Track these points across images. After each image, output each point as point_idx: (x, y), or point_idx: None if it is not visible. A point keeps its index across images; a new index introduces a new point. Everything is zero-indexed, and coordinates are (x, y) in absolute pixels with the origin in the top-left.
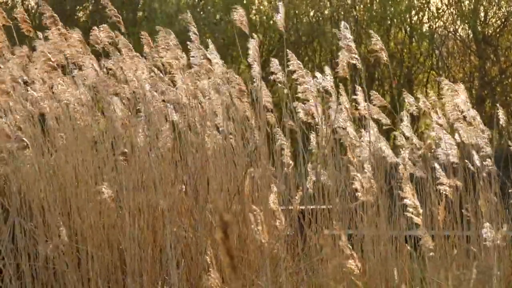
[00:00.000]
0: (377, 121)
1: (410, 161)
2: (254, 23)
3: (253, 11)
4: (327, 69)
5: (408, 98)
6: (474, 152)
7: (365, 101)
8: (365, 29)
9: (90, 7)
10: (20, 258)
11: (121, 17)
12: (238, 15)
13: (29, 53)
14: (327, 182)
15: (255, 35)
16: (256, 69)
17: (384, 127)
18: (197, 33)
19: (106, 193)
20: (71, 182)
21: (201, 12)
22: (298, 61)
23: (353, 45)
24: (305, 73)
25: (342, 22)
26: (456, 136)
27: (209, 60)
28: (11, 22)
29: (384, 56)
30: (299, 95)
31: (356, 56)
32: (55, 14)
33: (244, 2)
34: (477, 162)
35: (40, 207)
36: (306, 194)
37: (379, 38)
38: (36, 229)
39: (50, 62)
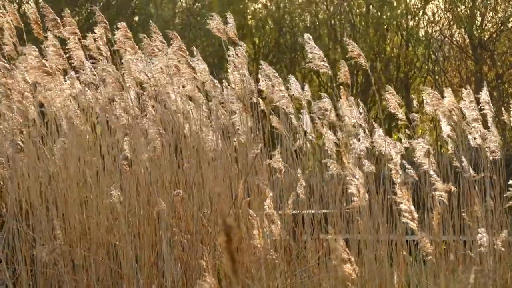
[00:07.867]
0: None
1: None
2: (250, 27)
3: (249, 16)
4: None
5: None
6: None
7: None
8: (361, 34)
9: (82, 16)
10: (17, 263)
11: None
12: (215, 22)
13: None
14: (321, 187)
15: (241, 42)
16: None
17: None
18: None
19: (114, 195)
20: (68, 186)
21: (197, 17)
22: (274, 70)
23: (320, 53)
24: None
25: (305, 34)
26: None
27: (193, 68)
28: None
29: (362, 61)
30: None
31: (347, 66)
32: (57, 17)
33: (241, 6)
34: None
35: (37, 210)
36: (298, 198)
37: (355, 45)
38: (32, 233)
39: (45, 68)
